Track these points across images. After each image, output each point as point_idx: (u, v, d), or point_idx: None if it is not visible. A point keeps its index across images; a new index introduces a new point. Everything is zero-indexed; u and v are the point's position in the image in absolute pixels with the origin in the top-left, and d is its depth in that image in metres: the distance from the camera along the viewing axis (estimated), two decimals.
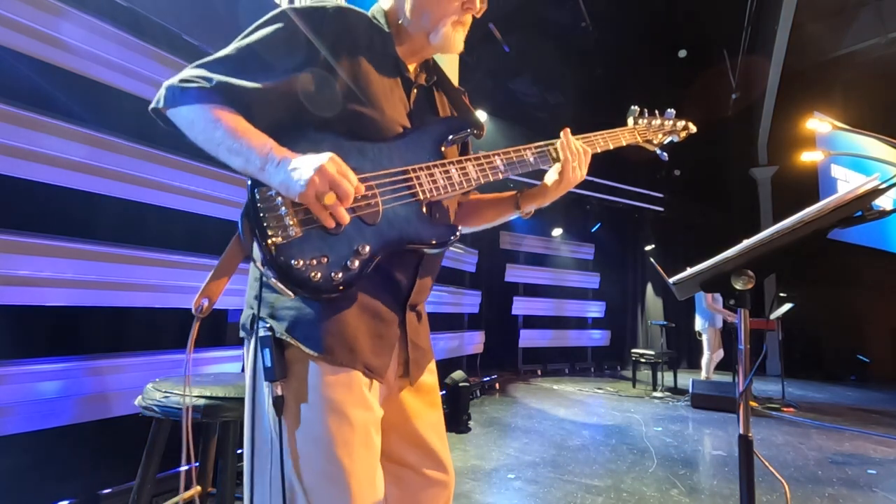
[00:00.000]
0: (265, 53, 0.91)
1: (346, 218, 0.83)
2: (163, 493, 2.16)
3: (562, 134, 1.13)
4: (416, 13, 1.01)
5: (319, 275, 0.83)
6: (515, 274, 7.60)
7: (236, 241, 0.88)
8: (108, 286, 2.22)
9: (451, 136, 1.02)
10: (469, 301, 6.32)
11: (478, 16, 1.07)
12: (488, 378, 6.11)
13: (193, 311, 0.85)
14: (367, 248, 0.87)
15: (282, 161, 0.82)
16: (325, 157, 0.81)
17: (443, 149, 1.01)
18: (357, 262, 0.86)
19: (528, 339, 7.65)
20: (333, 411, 0.86)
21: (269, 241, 0.82)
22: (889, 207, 1.13)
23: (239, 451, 1.56)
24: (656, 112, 1.38)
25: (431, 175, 0.96)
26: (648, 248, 8.94)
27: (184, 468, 0.88)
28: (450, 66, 5.24)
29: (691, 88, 8.89)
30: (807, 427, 4.66)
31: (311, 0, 0.99)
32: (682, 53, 8.83)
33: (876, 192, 1.05)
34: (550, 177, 1.17)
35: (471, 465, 3.23)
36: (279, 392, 0.86)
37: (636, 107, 1.35)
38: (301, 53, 0.92)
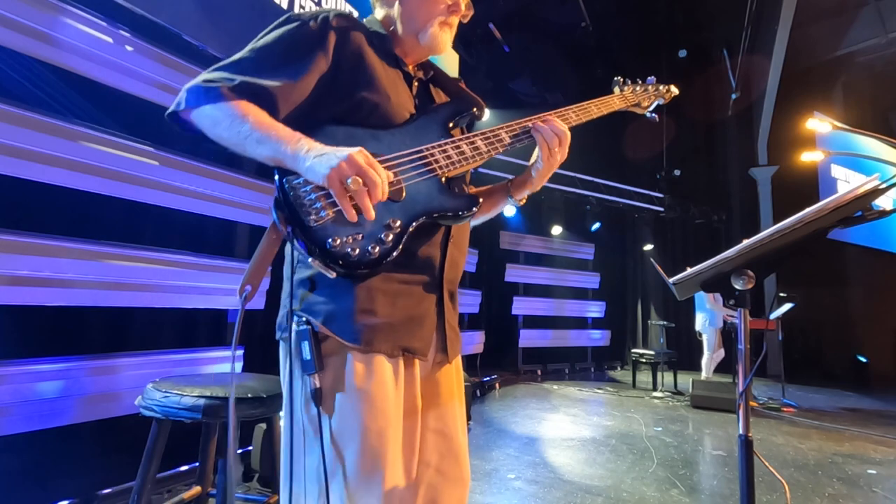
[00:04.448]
0: (282, 53, 0.96)
1: (371, 212, 0.82)
2: (162, 492, 2.16)
3: (545, 117, 1.12)
4: (405, 16, 1.08)
5: (358, 250, 0.86)
6: (515, 274, 7.59)
7: (272, 228, 0.90)
8: (108, 286, 2.22)
9: (457, 117, 1.07)
10: (469, 301, 6.32)
11: (464, 21, 1.13)
12: (488, 378, 6.10)
13: (238, 297, 0.87)
14: (398, 222, 0.90)
15: (312, 149, 0.85)
16: (354, 149, 0.84)
17: (451, 127, 1.06)
18: (391, 236, 0.89)
19: (528, 339, 7.65)
20: (369, 402, 0.89)
21: (306, 224, 0.85)
22: (889, 207, 1.13)
23: (240, 452, 1.56)
24: (638, 80, 1.44)
25: (445, 151, 1.00)
26: (648, 248, 8.94)
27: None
28: (450, 67, 5.24)
29: (691, 88, 8.89)
30: (807, 427, 4.66)
31: (313, 6, 1.02)
32: (682, 53, 8.83)
33: (876, 192, 1.05)
34: (533, 163, 1.17)
35: (471, 465, 3.23)
36: (317, 384, 0.88)
37: (619, 77, 1.40)
38: (314, 51, 0.97)
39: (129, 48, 2.38)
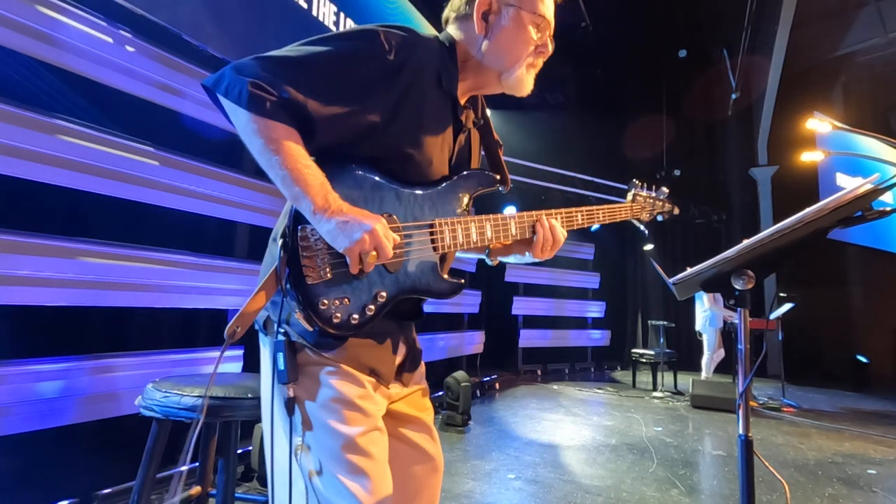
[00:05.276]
0: (346, 75, 0.89)
1: (369, 270, 0.90)
2: (161, 492, 2.16)
3: (546, 220, 1.17)
4: (492, 53, 1.03)
5: (340, 316, 0.90)
6: (515, 274, 7.59)
7: (273, 274, 0.89)
8: (108, 286, 2.22)
9: (480, 190, 1.08)
10: (469, 301, 6.32)
11: (544, 59, 1.10)
12: (488, 378, 6.10)
13: (226, 336, 0.88)
14: (385, 295, 0.94)
15: (335, 213, 0.84)
16: (377, 221, 0.86)
17: (471, 197, 1.07)
18: (374, 308, 0.93)
19: (528, 339, 7.65)
20: (346, 404, 0.91)
21: (303, 278, 0.87)
22: (889, 207, 1.13)
23: (240, 452, 1.57)
24: (653, 187, 1.50)
25: (454, 231, 1.01)
26: (648, 248, 8.94)
27: (184, 468, 0.90)
28: None
29: (691, 88, 8.89)
30: (807, 427, 4.66)
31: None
32: (683, 53, 8.83)
33: (876, 192, 1.06)
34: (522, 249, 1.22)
35: (471, 465, 3.23)
36: (291, 394, 0.90)
37: (637, 181, 1.46)
38: (379, 88, 0.91)
39: (129, 48, 2.38)
